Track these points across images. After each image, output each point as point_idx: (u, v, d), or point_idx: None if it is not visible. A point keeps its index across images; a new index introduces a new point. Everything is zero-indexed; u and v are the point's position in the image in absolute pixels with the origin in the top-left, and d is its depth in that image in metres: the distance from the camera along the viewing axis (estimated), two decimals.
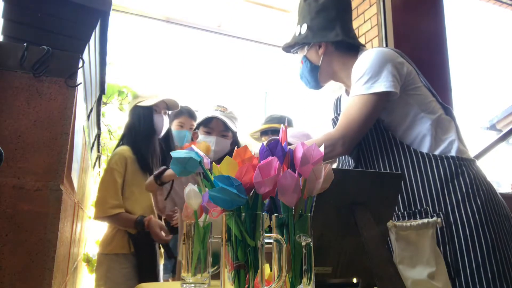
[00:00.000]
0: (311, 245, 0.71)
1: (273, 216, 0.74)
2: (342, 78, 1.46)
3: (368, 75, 1.25)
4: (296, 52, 1.50)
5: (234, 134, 1.82)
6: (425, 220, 0.85)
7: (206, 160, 0.80)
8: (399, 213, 1.26)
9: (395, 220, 1.09)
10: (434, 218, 0.85)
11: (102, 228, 3.29)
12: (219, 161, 0.86)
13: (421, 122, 1.27)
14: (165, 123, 2.11)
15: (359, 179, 0.94)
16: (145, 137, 2.03)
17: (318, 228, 0.82)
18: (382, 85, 1.23)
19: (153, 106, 2.06)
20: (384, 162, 1.30)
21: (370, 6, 2.87)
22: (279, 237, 0.68)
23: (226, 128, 1.76)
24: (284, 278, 0.67)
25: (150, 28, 3.88)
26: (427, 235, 0.84)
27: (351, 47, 1.42)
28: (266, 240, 0.69)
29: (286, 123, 0.88)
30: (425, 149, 1.25)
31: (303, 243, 0.70)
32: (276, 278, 0.68)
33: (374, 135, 1.32)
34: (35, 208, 0.95)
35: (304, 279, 0.70)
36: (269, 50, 4.29)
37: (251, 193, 0.72)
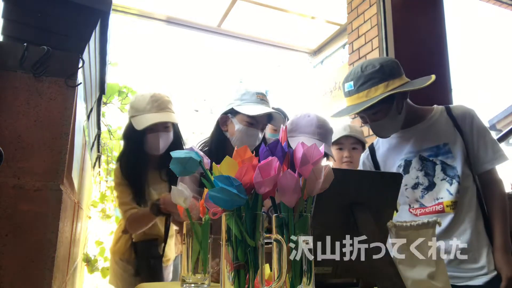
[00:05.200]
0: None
1: (273, 216, 0.74)
2: None
3: None
4: None
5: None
6: (425, 220, 0.84)
7: (206, 160, 0.80)
8: None
9: None
10: (434, 218, 0.85)
11: (102, 228, 3.30)
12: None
13: None
14: (162, 141, 1.84)
15: (359, 179, 0.94)
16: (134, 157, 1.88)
17: (318, 228, 0.82)
18: None
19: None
20: None
21: (370, 6, 2.87)
22: (279, 237, 0.68)
23: (268, 121, 1.61)
24: (284, 278, 0.67)
25: (150, 28, 3.88)
26: (427, 235, 0.84)
27: None
28: (266, 240, 0.69)
29: (285, 123, 0.88)
30: None
31: None
32: (276, 278, 0.68)
33: None
34: (35, 208, 0.95)
35: (304, 279, 0.70)
36: (269, 50, 4.29)
37: (251, 193, 0.72)
